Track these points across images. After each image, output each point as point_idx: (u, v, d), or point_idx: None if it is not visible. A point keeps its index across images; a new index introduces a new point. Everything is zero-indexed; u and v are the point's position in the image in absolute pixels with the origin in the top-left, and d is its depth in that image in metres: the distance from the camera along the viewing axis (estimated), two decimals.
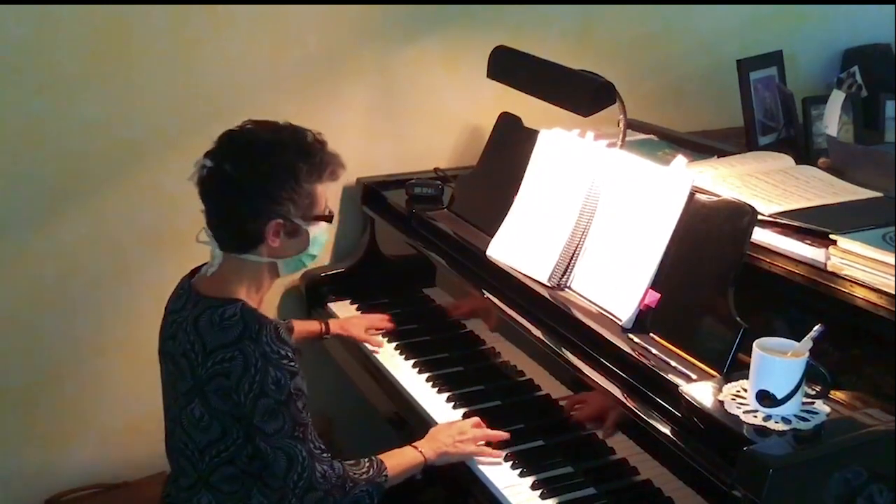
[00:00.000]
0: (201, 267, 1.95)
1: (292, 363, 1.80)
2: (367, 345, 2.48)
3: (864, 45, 3.47)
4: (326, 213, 1.90)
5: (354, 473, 1.86)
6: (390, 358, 2.43)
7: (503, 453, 1.98)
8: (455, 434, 2.01)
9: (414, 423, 2.19)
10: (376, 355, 2.44)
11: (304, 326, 2.48)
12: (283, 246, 1.86)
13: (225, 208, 1.84)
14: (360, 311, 2.65)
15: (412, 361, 2.38)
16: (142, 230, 2.61)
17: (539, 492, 1.87)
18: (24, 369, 2.59)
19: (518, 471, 1.93)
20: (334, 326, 2.51)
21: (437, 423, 2.10)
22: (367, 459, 1.91)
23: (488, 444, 2.01)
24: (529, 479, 1.90)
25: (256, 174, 1.80)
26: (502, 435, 2.02)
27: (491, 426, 2.05)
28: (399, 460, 1.95)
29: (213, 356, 1.78)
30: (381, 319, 2.55)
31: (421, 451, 1.97)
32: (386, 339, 2.50)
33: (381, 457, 1.93)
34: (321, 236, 1.92)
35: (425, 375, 2.31)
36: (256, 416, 1.77)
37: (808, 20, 3.43)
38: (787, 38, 3.26)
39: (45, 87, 2.42)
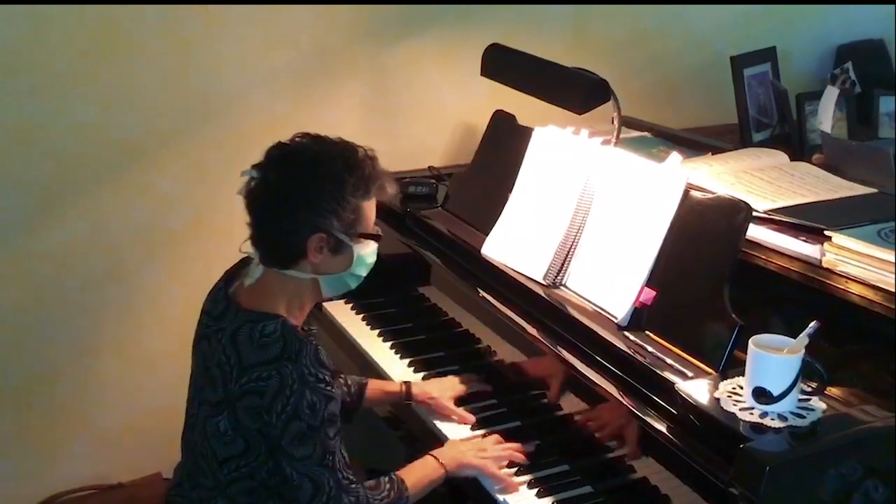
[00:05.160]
0: (237, 271, 1.89)
1: (329, 387, 1.73)
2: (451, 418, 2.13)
3: (858, 41, 3.48)
4: (374, 232, 1.83)
5: (376, 499, 1.80)
6: (385, 356, 2.41)
7: (522, 484, 1.88)
8: (475, 447, 1.96)
9: (410, 422, 2.19)
10: (371, 353, 2.42)
11: (380, 386, 2.23)
12: (326, 262, 1.79)
13: (267, 219, 1.78)
14: (354, 311, 2.64)
15: (408, 360, 2.37)
16: (136, 231, 2.60)
17: (535, 490, 1.87)
18: (19, 370, 2.58)
19: (514, 469, 1.93)
20: (417, 391, 2.18)
21: (433, 422, 2.09)
22: (386, 479, 1.85)
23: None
24: (525, 478, 1.90)
25: (299, 184, 1.74)
26: (520, 456, 1.94)
27: (485, 425, 2.05)
28: (419, 475, 1.89)
29: (249, 373, 1.71)
30: (465, 382, 2.20)
31: (441, 462, 1.91)
32: (381, 337, 2.49)
33: (400, 473, 1.88)
34: (368, 257, 1.83)
35: (421, 374, 2.30)
36: (286, 439, 1.71)
37: (802, 16, 3.44)
38: (780, 35, 3.26)
39: (38, 87, 2.41)
